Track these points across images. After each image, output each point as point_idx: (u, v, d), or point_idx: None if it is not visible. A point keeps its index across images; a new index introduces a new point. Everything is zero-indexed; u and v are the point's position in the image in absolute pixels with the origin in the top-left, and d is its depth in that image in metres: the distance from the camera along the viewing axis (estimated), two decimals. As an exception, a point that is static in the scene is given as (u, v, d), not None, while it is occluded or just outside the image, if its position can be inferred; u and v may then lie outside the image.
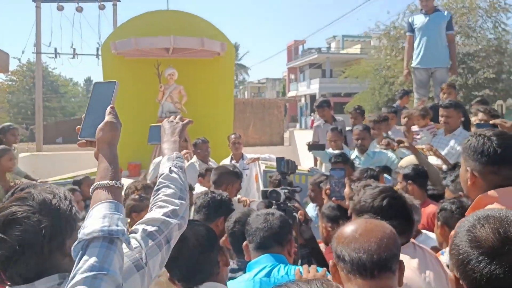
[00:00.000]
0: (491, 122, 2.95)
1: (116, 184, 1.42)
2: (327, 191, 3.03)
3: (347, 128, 6.43)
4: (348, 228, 1.59)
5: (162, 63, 9.53)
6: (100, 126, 1.52)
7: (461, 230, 1.27)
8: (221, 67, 10.14)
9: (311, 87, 43.57)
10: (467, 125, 5.64)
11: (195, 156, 5.98)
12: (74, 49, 19.40)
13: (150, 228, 1.55)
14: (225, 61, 10.17)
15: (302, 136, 17.64)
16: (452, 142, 4.82)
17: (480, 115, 4.68)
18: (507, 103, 20.14)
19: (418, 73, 6.92)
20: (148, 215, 1.62)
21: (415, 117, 5.45)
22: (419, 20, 6.89)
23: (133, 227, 1.57)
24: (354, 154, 5.25)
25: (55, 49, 19.67)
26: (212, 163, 5.94)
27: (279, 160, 3.09)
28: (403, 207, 2.08)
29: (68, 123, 34.33)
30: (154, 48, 9.41)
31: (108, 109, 1.55)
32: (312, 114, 40.83)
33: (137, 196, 3.67)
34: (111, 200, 1.38)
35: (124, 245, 1.33)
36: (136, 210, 3.56)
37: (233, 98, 11.00)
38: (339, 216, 2.99)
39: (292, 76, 50.53)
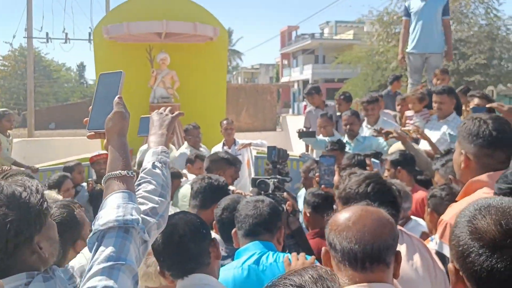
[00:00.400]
0: (487, 105, 2.96)
1: (128, 173, 1.43)
2: (317, 178, 3.04)
3: (338, 114, 6.45)
4: (342, 215, 1.51)
5: (154, 48, 9.48)
6: (109, 116, 1.52)
7: (461, 221, 1.21)
8: (213, 52, 10.09)
9: (304, 72, 43.47)
10: (459, 110, 5.68)
11: (186, 143, 5.99)
12: (66, 34, 19.31)
13: None
14: (218, 46, 10.12)
15: (295, 122, 17.68)
16: (444, 128, 4.79)
17: (476, 100, 4.70)
18: (497, 89, 20.26)
19: (412, 58, 6.87)
20: None
21: (412, 100, 5.43)
22: (416, 4, 6.82)
23: None
24: (344, 140, 5.27)
25: (47, 34, 19.61)
26: (204, 149, 5.95)
27: (270, 148, 3.07)
28: (389, 193, 2.03)
29: (61, 108, 34.10)
30: (146, 33, 9.35)
31: (116, 99, 1.55)
32: (304, 99, 40.77)
33: None
34: (124, 190, 1.38)
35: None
36: None
37: (225, 84, 10.97)
38: (319, 203, 3.02)
39: (285, 62, 50.34)
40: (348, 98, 6.48)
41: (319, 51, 43.88)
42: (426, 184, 4.09)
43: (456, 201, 2.10)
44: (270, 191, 2.73)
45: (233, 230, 2.39)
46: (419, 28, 6.67)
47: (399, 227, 2.12)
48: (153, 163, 1.66)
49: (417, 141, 4.60)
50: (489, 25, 21.44)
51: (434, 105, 4.91)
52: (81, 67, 57.48)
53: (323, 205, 3.02)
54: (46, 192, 3.02)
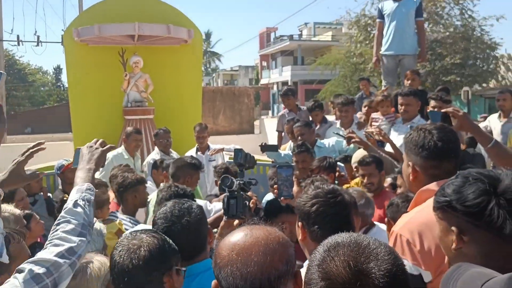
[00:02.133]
0: (443, 110, 2.91)
1: None
2: (275, 190, 2.95)
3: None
4: (225, 244, 1.29)
5: (127, 50, 9.30)
6: None
7: (312, 265, 1.15)
8: (188, 55, 9.93)
9: (283, 74, 43.58)
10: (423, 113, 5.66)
11: (156, 148, 5.84)
12: (38, 36, 18.91)
13: (37, 270, 1.47)
14: (192, 48, 9.97)
15: (273, 124, 17.64)
16: (409, 130, 4.79)
17: (432, 102, 4.68)
18: (473, 89, 20.56)
19: (386, 60, 6.87)
20: (39, 254, 1.55)
21: (377, 103, 5.42)
22: (389, 6, 6.82)
23: (21, 266, 1.50)
24: None
25: (18, 36, 19.13)
26: (174, 155, 5.81)
27: (237, 151, 2.97)
28: (337, 213, 1.91)
29: (37, 112, 33.53)
30: (118, 35, 9.15)
31: None
32: (284, 101, 40.92)
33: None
34: None
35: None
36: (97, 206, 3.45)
37: (201, 87, 10.83)
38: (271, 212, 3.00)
39: (265, 64, 50.42)
40: (320, 105, 6.32)
41: (298, 52, 44.02)
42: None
43: (407, 212, 2.04)
44: (234, 188, 2.62)
45: None
46: (392, 30, 6.67)
47: None
48: (75, 201, 1.71)
49: (382, 144, 4.55)
50: (464, 26, 21.78)
51: (400, 107, 4.91)
52: (58, 70, 56.59)
53: (274, 214, 3.00)
54: (9, 206, 2.88)
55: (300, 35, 47.79)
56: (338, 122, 5.61)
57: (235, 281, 1.21)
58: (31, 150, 2.01)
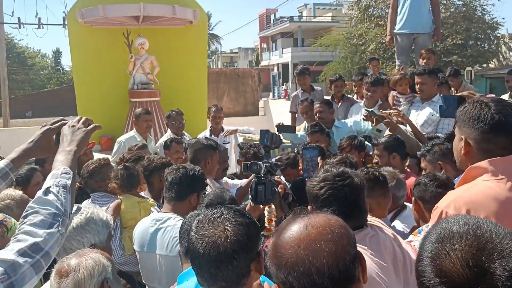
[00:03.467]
0: (458, 94, 2.89)
1: None
2: (301, 170, 2.89)
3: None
4: (285, 242, 1.16)
5: (132, 32, 9.20)
6: None
7: (424, 256, 1.05)
8: (193, 36, 9.84)
9: (283, 56, 43.31)
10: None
11: (168, 130, 5.78)
12: (39, 19, 18.67)
13: None
14: (197, 29, 9.87)
15: (277, 106, 17.55)
16: (429, 109, 4.74)
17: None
18: (474, 69, 20.47)
19: (400, 38, 6.75)
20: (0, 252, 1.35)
21: (395, 82, 5.35)
22: None
23: None
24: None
25: (19, 19, 18.92)
26: (187, 137, 5.75)
27: (263, 132, 2.89)
28: (346, 196, 1.85)
29: (37, 96, 33.30)
30: (123, 17, 9.03)
31: None
32: (285, 83, 40.65)
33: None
34: None
35: None
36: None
37: (206, 68, 10.74)
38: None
39: (264, 46, 50.05)
40: (342, 79, 6.20)
41: (298, 34, 43.68)
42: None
43: (454, 188, 1.99)
44: (262, 174, 2.58)
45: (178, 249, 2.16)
46: (407, 8, 6.54)
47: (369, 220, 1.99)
48: (47, 188, 1.51)
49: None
50: (465, 6, 21.58)
51: (416, 86, 4.84)
52: (57, 53, 56.08)
53: (303, 198, 2.96)
54: (7, 191, 2.79)
55: (300, 17, 47.38)
56: (362, 102, 5.54)
57: (310, 277, 1.10)
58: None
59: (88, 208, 2.34)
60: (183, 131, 5.79)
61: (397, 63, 6.89)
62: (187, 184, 2.77)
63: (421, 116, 4.78)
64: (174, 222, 2.64)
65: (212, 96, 13.05)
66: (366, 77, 5.64)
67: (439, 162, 3.21)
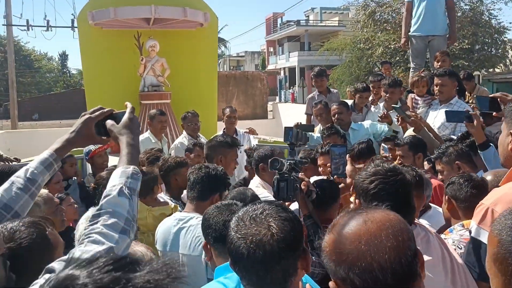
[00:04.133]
0: (491, 95, 2.83)
1: None
2: (329, 168, 2.83)
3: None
4: (345, 238, 1.12)
5: (143, 34, 9.21)
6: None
7: (507, 240, 1.08)
8: (204, 39, 9.83)
9: (290, 60, 43.26)
10: (462, 94, 5.53)
11: (184, 131, 5.73)
12: (48, 21, 18.73)
13: None
14: (208, 32, 9.86)
15: (286, 109, 17.54)
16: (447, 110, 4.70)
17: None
18: (481, 74, 20.37)
19: (415, 41, 6.68)
20: (74, 252, 1.27)
21: (413, 83, 5.31)
22: None
23: (50, 265, 1.23)
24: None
25: (27, 21, 18.97)
26: (203, 139, 5.72)
27: (287, 129, 2.83)
28: (397, 191, 1.82)
29: (44, 98, 33.49)
30: (133, 19, 9.05)
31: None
32: (292, 87, 40.63)
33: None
34: None
35: None
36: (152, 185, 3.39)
37: (216, 71, 10.73)
38: (319, 196, 2.79)
39: (271, 49, 50.06)
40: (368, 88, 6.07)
41: (304, 38, 43.65)
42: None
43: (499, 186, 1.94)
44: (285, 171, 2.53)
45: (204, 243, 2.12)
46: (422, 10, 6.48)
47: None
48: (121, 188, 1.42)
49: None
50: (472, 10, 21.51)
51: (436, 88, 4.78)
52: (64, 56, 56.43)
53: (323, 198, 2.86)
54: None
55: (307, 21, 47.36)
56: (382, 104, 5.49)
57: (373, 273, 1.06)
58: (102, 110, 1.69)
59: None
60: (199, 133, 5.74)
61: (412, 65, 6.83)
62: (209, 184, 2.74)
63: (438, 119, 4.73)
64: (197, 221, 2.59)
65: (221, 99, 13.03)
66: (384, 79, 5.59)
67: (456, 162, 3.16)
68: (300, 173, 2.73)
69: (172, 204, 3.43)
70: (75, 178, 4.72)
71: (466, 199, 2.36)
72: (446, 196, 2.52)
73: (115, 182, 1.44)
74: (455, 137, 4.59)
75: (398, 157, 3.93)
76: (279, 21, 48.55)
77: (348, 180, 2.65)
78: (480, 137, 3.28)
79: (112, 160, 5.97)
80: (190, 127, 5.60)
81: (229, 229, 1.45)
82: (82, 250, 1.27)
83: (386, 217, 1.15)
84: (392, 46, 20.67)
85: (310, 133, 4.94)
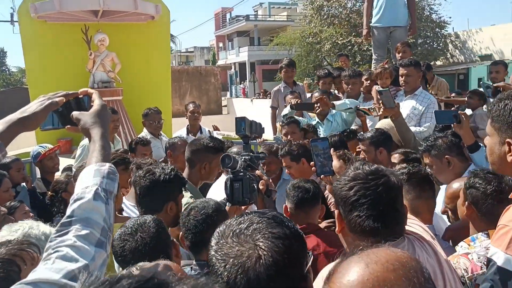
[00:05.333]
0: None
1: None
2: (313, 168, 2.49)
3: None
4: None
5: (91, 28, 8.72)
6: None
7: None
8: (156, 32, 9.43)
9: (240, 55, 43.07)
10: (425, 84, 5.52)
11: (144, 129, 5.39)
12: (-17, 16, 17.51)
13: None
14: (160, 25, 9.47)
15: (241, 104, 17.29)
16: (413, 103, 4.62)
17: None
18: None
19: (376, 32, 6.67)
20: (40, 271, 1.02)
21: (376, 75, 5.23)
22: None
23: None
24: (314, 121, 4.99)
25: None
26: (164, 138, 5.40)
27: (239, 120, 2.43)
28: (381, 197, 1.55)
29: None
30: (80, 11, 8.52)
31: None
32: (242, 82, 40.45)
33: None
34: None
35: None
36: None
37: (170, 66, 10.36)
38: (302, 198, 2.64)
39: (221, 45, 49.70)
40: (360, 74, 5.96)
41: (254, 33, 43.58)
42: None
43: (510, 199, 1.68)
44: (238, 168, 2.22)
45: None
46: (383, 1, 6.46)
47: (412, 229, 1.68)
48: (96, 191, 1.17)
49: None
50: (414, 5, 22.10)
51: (401, 78, 4.73)
52: (2, 53, 53.57)
53: (306, 200, 2.65)
54: None
55: (256, 15, 47.28)
56: (344, 95, 5.39)
57: None
58: (67, 93, 1.45)
59: (24, 223, 2.01)
60: (161, 132, 5.42)
61: (374, 57, 6.81)
62: (159, 192, 2.39)
63: (403, 110, 4.66)
64: None
65: (174, 95, 12.68)
66: (343, 71, 5.50)
67: (446, 156, 3.03)
68: (257, 170, 2.46)
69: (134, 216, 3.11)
70: (24, 184, 4.24)
71: (490, 209, 2.07)
72: (467, 201, 2.18)
73: (88, 183, 1.19)
74: (420, 129, 4.58)
75: (361, 152, 3.82)
76: (228, 16, 48.26)
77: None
78: (469, 139, 3.15)
79: (64, 162, 5.56)
80: (152, 125, 5.26)
81: (210, 247, 1.16)
82: (50, 268, 1.01)
83: (393, 255, 0.92)
84: (339, 42, 20.88)
85: (311, 110, 4.72)
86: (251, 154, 2.41)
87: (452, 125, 3.23)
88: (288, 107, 4.83)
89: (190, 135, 5.38)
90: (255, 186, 2.30)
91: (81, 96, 1.48)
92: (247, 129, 2.46)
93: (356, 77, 5.17)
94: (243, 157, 2.31)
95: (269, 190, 2.44)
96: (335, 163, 2.36)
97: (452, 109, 4.63)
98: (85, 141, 5.19)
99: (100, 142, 1.31)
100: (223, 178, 3.30)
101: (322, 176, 2.46)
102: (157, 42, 9.49)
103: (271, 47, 29.57)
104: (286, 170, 3.63)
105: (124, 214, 3.09)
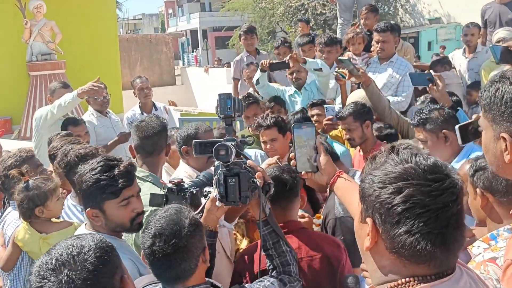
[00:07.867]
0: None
1: None
2: (293, 161, 1.90)
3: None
4: None
5: (25, -6, 7.87)
6: None
7: None
8: (100, 0, 8.72)
9: (191, 22, 41.93)
10: None
11: (90, 107, 4.75)
12: None
13: None
14: (103, -10, 8.73)
15: (197, 74, 16.59)
16: (389, 70, 4.38)
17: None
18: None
19: None
20: None
21: (348, 40, 4.87)
22: None
23: None
24: (291, 90, 4.57)
25: None
26: (113, 116, 4.82)
27: (224, 97, 1.92)
28: (446, 209, 1.05)
29: None
30: (11, -25, 7.66)
31: None
32: (195, 50, 39.42)
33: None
34: None
35: None
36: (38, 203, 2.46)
37: (117, 35, 9.65)
38: (276, 192, 2.01)
39: (170, 11, 48.13)
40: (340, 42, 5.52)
41: (205, -2, 42.41)
42: (393, 138, 3.53)
43: None
44: (231, 160, 1.75)
45: None
46: None
47: None
48: None
49: None
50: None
51: (376, 45, 4.43)
52: None
53: (282, 195, 2.15)
54: None
55: (206, -21, 45.92)
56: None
57: None
58: None
59: None
60: (108, 109, 4.79)
61: (340, 21, 6.47)
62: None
63: (380, 79, 4.38)
64: None
65: (123, 66, 11.89)
66: (318, 38, 5.07)
67: (443, 131, 2.69)
68: (248, 161, 1.97)
69: (76, 220, 2.59)
70: None
71: (508, 190, 1.70)
72: (477, 189, 1.81)
73: None
74: (398, 99, 4.26)
75: (345, 132, 3.45)
76: (177, -20, 46.62)
77: (325, 178, 1.82)
78: (446, 101, 3.06)
79: (5, 145, 4.95)
80: (97, 101, 4.59)
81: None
82: None
83: None
84: (293, 4, 20.47)
85: (287, 68, 4.30)
86: (235, 138, 1.93)
87: (427, 87, 3.16)
88: (259, 70, 4.40)
89: (144, 113, 4.81)
90: (255, 182, 1.81)
91: None
92: (233, 108, 1.95)
93: (333, 45, 4.75)
94: (231, 145, 1.81)
95: (267, 184, 1.90)
96: (322, 157, 1.82)
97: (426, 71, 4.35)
98: (37, 113, 4.43)
99: None
100: (180, 169, 2.82)
101: (303, 172, 1.91)
102: (101, 8, 8.80)
103: (223, 12, 28.78)
104: (267, 145, 3.23)
105: (65, 217, 2.60)
